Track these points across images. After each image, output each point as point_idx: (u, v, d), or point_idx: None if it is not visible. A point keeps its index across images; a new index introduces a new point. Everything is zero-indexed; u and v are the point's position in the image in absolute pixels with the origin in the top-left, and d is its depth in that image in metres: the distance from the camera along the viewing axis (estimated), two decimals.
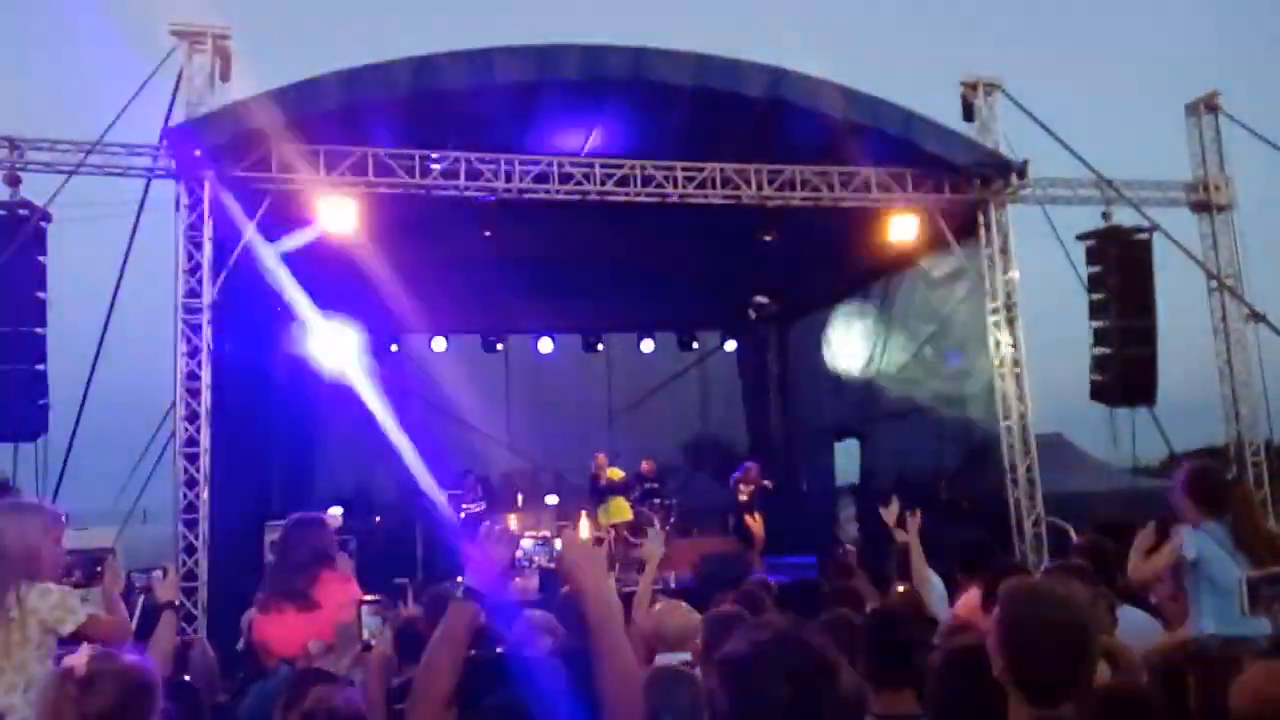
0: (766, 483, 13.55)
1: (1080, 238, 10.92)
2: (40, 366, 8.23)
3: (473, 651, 2.06)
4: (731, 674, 1.69)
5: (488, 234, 10.65)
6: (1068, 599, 2.15)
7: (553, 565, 2.11)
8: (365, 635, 3.05)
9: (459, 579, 2.14)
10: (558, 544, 2.13)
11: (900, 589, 4.80)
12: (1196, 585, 4.24)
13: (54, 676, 2.25)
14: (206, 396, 8.54)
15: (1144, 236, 10.71)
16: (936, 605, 4.91)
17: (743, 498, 13.30)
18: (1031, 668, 2.01)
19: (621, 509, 12.89)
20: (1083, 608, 2.15)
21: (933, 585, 5.11)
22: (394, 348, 15.29)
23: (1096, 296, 10.72)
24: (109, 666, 2.27)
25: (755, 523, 13.15)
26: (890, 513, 5.66)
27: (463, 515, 12.85)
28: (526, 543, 2.16)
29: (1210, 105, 12.13)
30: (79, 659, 2.24)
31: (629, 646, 2.00)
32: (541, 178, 9.66)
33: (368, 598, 3.20)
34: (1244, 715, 2.18)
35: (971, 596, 4.31)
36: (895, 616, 3.37)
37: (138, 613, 4.29)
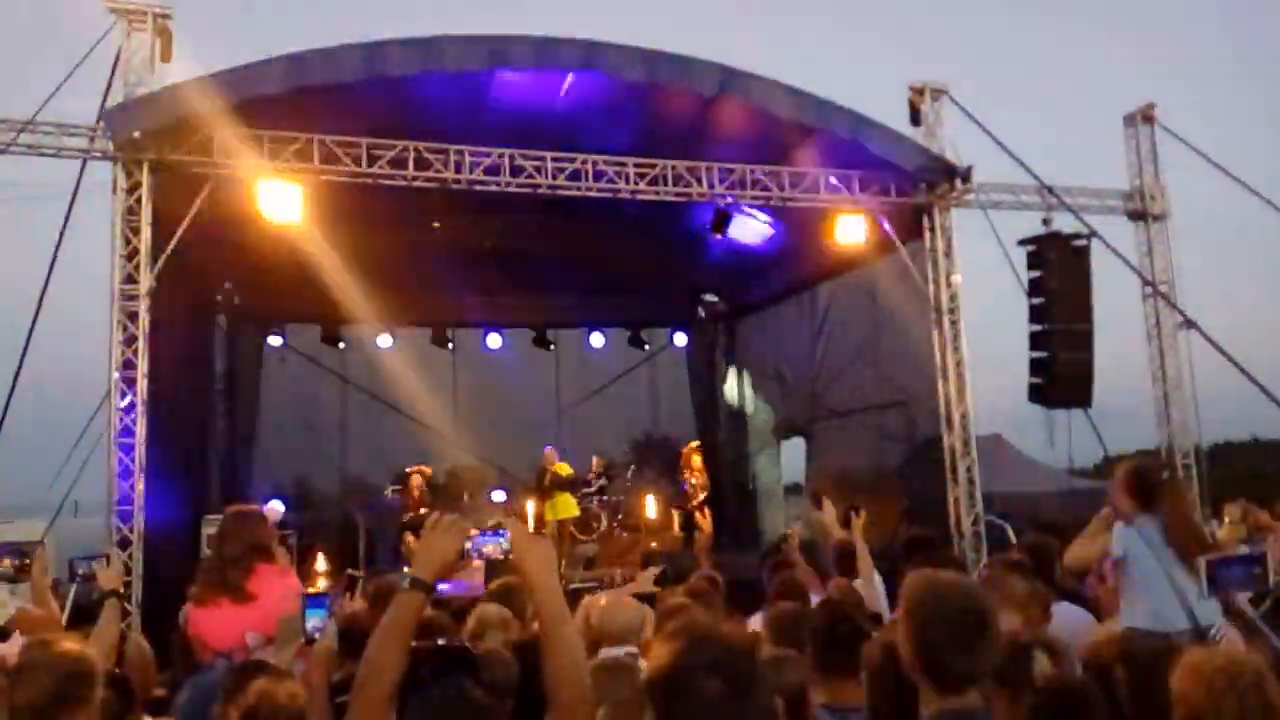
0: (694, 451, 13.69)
1: (1021, 243, 11.15)
2: None
3: (416, 643, 2.03)
4: (662, 691, 1.66)
5: (437, 226, 10.55)
6: (967, 587, 2.16)
7: (502, 557, 2.10)
8: (309, 628, 3.00)
9: (405, 570, 2.11)
10: (504, 540, 2.10)
11: (837, 584, 4.86)
12: (1124, 580, 4.39)
13: None
14: (143, 385, 8.32)
15: (1083, 243, 10.97)
16: (881, 602, 5.00)
17: (694, 496, 13.40)
18: (934, 656, 2.02)
19: (568, 505, 12.93)
20: (983, 595, 2.16)
21: (875, 583, 5.20)
22: (340, 344, 15.04)
23: (1036, 301, 10.95)
24: (42, 656, 2.20)
25: (705, 519, 13.28)
26: (827, 513, 5.79)
27: (407, 512, 12.70)
28: (485, 540, 2.13)
29: (1147, 116, 12.49)
30: (10, 648, 2.16)
31: (578, 639, 1.99)
32: (492, 170, 9.59)
33: (311, 589, 3.15)
34: (1191, 699, 2.24)
35: None
36: (842, 608, 3.42)
37: (69, 604, 4.17)
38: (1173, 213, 12.38)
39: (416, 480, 12.91)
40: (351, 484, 14.89)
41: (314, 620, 3.01)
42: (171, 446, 9.72)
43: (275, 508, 11.82)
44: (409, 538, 11.45)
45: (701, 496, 13.26)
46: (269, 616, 3.69)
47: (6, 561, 3.46)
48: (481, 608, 3.66)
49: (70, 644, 2.32)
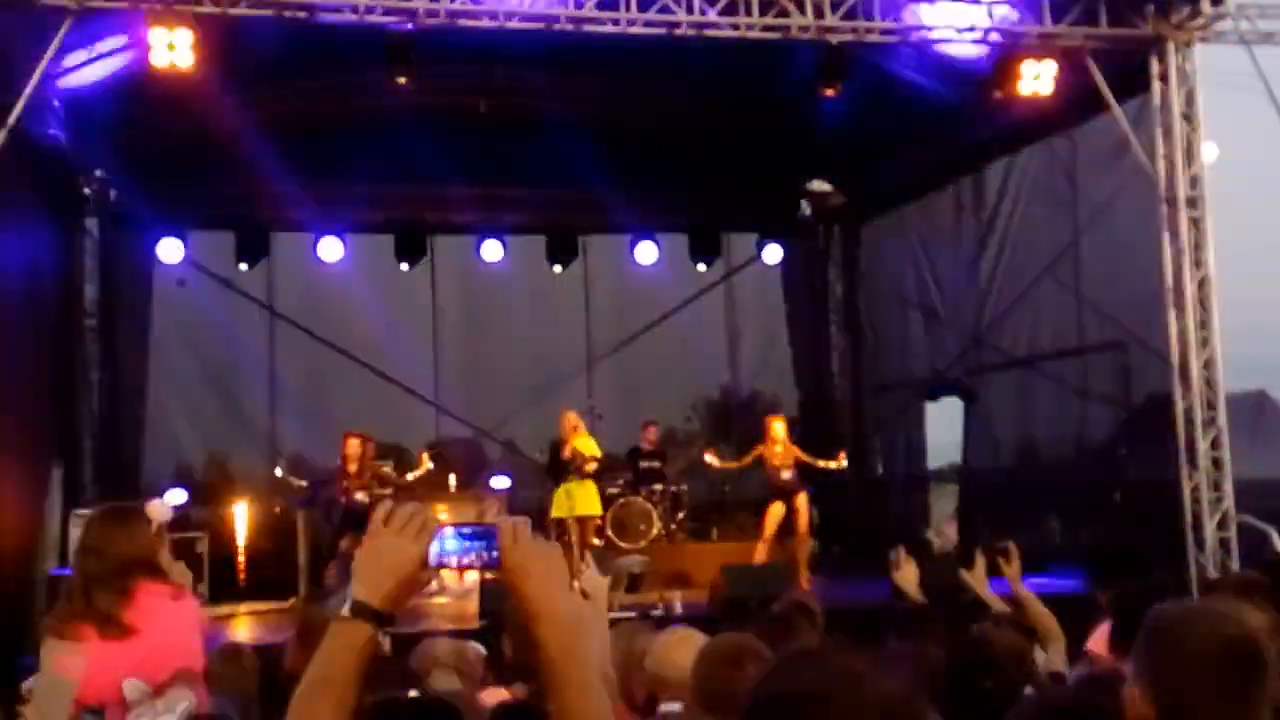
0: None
1: None
2: None
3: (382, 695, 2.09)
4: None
5: (403, 81, 10.61)
6: (1233, 621, 2.32)
7: (490, 572, 2.09)
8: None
9: (345, 590, 2.16)
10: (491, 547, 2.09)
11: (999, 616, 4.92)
12: None
13: None
14: None
15: None
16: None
17: (776, 466, 12.76)
18: (1186, 705, 2.17)
19: (589, 497, 12.52)
20: (1258, 632, 2.31)
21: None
22: (265, 259, 15.26)
23: None
24: None
25: (802, 511, 12.71)
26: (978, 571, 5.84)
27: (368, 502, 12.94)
28: (451, 542, 2.11)
29: None
30: None
31: (602, 691, 2.02)
32: None
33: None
34: None
35: (1104, 632, 4.44)
36: (988, 649, 3.49)
37: None
38: None
39: (353, 447, 12.90)
40: (286, 465, 15.24)
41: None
42: (20, 412, 10.04)
43: (171, 500, 12.15)
44: (346, 539, 11.60)
45: (786, 475, 12.75)
46: (155, 655, 3.84)
47: None
48: (429, 641, 3.77)
49: None
